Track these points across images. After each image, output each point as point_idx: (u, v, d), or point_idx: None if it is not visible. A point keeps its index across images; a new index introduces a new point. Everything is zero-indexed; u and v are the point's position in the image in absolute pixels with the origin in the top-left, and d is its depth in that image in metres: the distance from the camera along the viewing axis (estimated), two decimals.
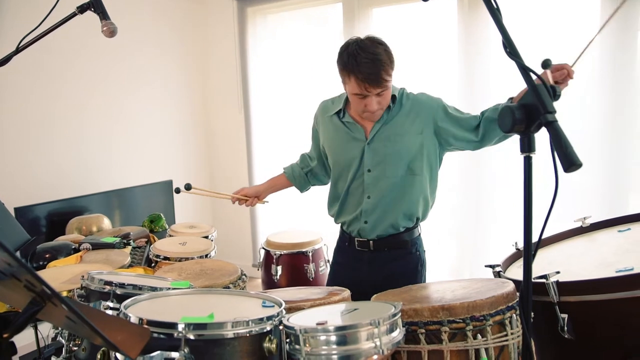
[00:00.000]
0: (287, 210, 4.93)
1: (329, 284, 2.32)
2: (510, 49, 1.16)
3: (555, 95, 1.11)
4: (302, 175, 2.41)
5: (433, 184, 2.11)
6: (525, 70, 1.12)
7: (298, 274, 3.26)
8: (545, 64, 1.51)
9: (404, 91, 2.09)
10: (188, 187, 2.42)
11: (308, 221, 4.65)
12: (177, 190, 2.42)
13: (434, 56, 4.06)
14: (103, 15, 1.90)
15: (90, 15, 1.88)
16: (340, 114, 2.10)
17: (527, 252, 1.16)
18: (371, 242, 2.08)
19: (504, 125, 1.11)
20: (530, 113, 1.09)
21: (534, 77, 1.11)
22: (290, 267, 3.26)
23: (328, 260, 3.47)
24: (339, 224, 2.27)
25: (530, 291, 1.17)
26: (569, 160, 1.01)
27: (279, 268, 3.24)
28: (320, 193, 5.00)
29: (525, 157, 1.14)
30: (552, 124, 1.05)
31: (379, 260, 2.09)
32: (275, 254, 3.26)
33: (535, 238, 2.24)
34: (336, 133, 2.12)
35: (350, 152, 2.06)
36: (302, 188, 2.47)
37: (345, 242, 2.21)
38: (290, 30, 4.81)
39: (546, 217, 1.16)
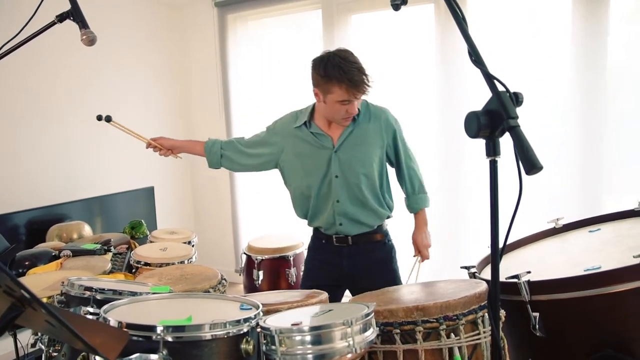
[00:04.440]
0: (269, 215, 4.96)
1: (305, 284, 2.39)
2: (476, 57, 1.21)
3: (518, 102, 1.15)
4: (217, 154, 2.42)
5: (387, 185, 2.29)
6: (489, 78, 1.17)
7: (280, 278, 3.29)
8: None
9: (366, 102, 2.24)
10: (108, 118, 2.56)
11: (290, 226, 4.68)
12: (99, 118, 2.55)
13: (412, 62, 4.12)
14: (82, 24, 1.91)
15: (70, 24, 1.89)
16: (307, 126, 2.23)
17: (494, 252, 1.20)
18: (349, 237, 2.23)
19: (469, 131, 1.16)
20: (494, 118, 1.13)
21: (498, 84, 1.16)
22: (271, 271, 3.29)
23: None
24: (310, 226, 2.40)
25: (498, 290, 1.21)
26: (530, 163, 1.06)
27: (261, 273, 3.27)
28: None
29: (490, 161, 1.18)
30: (514, 128, 1.09)
31: (357, 252, 2.24)
32: (256, 259, 3.28)
33: (508, 239, 2.30)
34: (304, 143, 2.24)
35: (318, 159, 2.20)
36: (211, 165, 2.45)
37: (322, 240, 2.32)
38: (271, 36, 4.85)
39: (512, 218, 1.20)
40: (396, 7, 1.53)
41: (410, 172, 2.31)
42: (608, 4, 3.39)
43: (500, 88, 1.16)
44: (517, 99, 1.15)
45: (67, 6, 1.86)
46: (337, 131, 2.19)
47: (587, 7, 3.43)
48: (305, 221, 2.38)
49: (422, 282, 2.09)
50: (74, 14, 1.89)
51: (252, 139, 2.41)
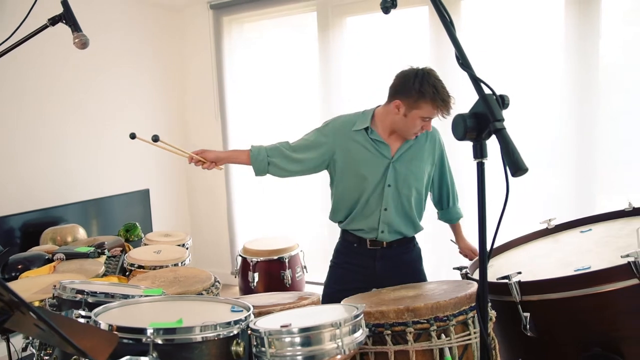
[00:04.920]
0: (265, 217, 4.96)
1: (333, 287, 2.37)
2: (463, 61, 1.22)
3: (504, 104, 1.16)
4: (263, 162, 2.33)
5: (426, 200, 2.40)
6: (476, 81, 1.18)
7: (275, 280, 3.29)
8: None
9: None
10: (155, 138, 2.26)
11: (285, 228, 4.69)
12: (132, 136, 2.27)
13: (406, 64, 4.13)
14: (75, 27, 1.92)
15: (67, 28, 1.89)
16: (367, 131, 2.24)
17: (482, 252, 1.21)
18: (384, 242, 2.28)
19: (456, 133, 1.17)
20: (480, 121, 1.14)
21: (484, 87, 1.17)
22: (266, 273, 3.29)
23: (305, 267, 3.51)
24: (344, 228, 2.40)
25: (486, 291, 1.22)
26: (515, 165, 1.06)
27: (256, 275, 3.27)
28: (297, 201, 5.03)
29: (478, 163, 1.19)
30: (500, 131, 1.10)
31: (390, 255, 2.30)
32: (251, 261, 3.28)
33: (501, 240, 2.31)
34: (361, 148, 2.24)
35: (374, 166, 2.22)
36: (258, 173, 2.36)
37: (353, 243, 2.34)
38: (266, 38, 4.87)
39: (499, 219, 1.21)
40: (386, 10, 1.55)
41: (453, 187, 2.45)
42: (599, 6, 3.41)
43: (487, 91, 1.17)
44: (503, 101, 1.16)
45: (61, 9, 1.87)
46: (396, 143, 2.24)
47: (579, 9, 3.46)
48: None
49: (414, 284, 2.10)
50: (66, 17, 1.90)
51: (299, 142, 2.35)
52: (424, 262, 2.47)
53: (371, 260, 2.30)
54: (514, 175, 1.08)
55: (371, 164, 2.22)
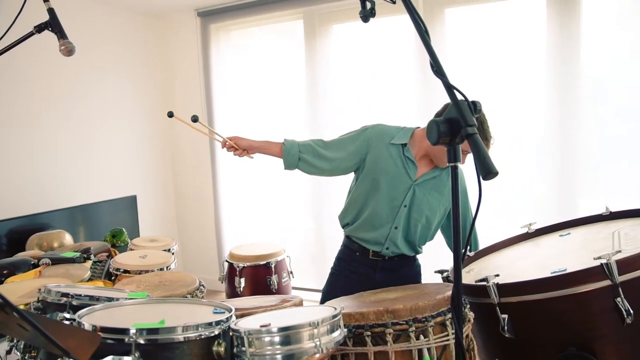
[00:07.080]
0: (252, 223, 4.98)
1: (334, 294, 2.32)
2: (437, 68, 1.26)
3: (476, 110, 1.20)
4: (295, 157, 2.34)
5: (434, 233, 2.42)
6: (449, 88, 1.22)
7: (261, 285, 3.32)
8: None
9: None
10: (195, 119, 2.39)
11: (273, 233, 4.71)
12: (170, 115, 2.42)
13: (393, 70, 4.20)
14: (60, 34, 1.93)
15: (54, 35, 1.91)
16: (403, 148, 2.27)
17: (457, 254, 1.24)
18: (386, 256, 2.32)
19: (431, 138, 1.21)
20: (453, 126, 1.18)
21: (457, 93, 1.21)
22: (253, 279, 3.32)
23: (291, 272, 3.53)
24: (349, 236, 2.42)
25: (461, 292, 1.26)
26: (486, 169, 1.10)
27: (242, 280, 3.29)
28: (284, 207, 5.03)
29: (452, 167, 1.23)
30: (472, 136, 1.14)
31: (391, 267, 2.33)
32: (238, 267, 3.31)
33: (485, 243, 2.35)
34: (392, 161, 2.27)
35: (395, 181, 2.25)
36: (287, 167, 2.38)
37: (355, 252, 2.37)
38: (253, 45, 4.91)
39: (473, 222, 1.25)
40: (365, 19, 1.60)
41: (472, 232, 2.45)
42: (580, 13, 3.50)
43: (460, 97, 1.21)
44: (475, 107, 1.21)
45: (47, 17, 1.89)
46: (424, 168, 2.28)
47: (560, 17, 3.54)
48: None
49: (396, 287, 2.14)
50: (52, 24, 1.92)
51: (333, 141, 2.37)
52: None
53: (372, 271, 2.33)
54: (484, 178, 1.11)
55: (393, 178, 2.25)
